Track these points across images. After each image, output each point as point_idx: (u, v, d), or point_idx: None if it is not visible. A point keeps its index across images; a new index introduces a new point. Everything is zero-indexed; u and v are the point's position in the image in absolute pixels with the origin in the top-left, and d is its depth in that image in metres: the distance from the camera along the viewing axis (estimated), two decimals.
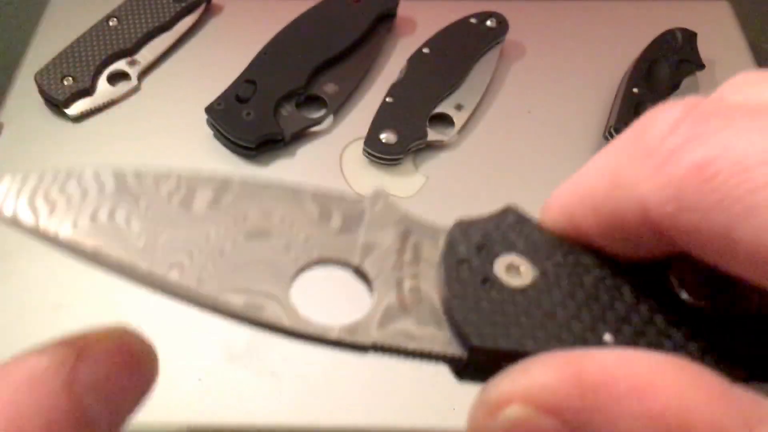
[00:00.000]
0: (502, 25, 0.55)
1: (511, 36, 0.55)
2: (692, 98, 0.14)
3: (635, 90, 0.51)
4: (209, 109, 0.51)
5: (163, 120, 0.53)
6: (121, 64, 0.54)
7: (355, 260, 0.16)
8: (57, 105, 0.52)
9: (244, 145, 0.50)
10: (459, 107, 0.52)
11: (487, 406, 0.13)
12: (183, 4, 0.57)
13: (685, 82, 0.53)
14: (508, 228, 0.16)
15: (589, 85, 0.55)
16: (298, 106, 0.52)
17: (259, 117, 0.50)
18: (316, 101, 0.53)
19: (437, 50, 0.54)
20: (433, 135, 0.51)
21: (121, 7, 0.56)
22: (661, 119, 0.14)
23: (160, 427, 0.39)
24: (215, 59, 0.56)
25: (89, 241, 0.16)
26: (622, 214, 0.14)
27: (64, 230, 0.16)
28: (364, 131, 0.50)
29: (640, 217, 0.14)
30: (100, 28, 0.55)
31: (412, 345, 0.15)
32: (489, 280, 0.15)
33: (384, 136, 0.50)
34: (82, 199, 0.16)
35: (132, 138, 0.52)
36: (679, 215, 0.13)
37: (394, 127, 0.50)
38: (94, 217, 0.16)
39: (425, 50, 0.54)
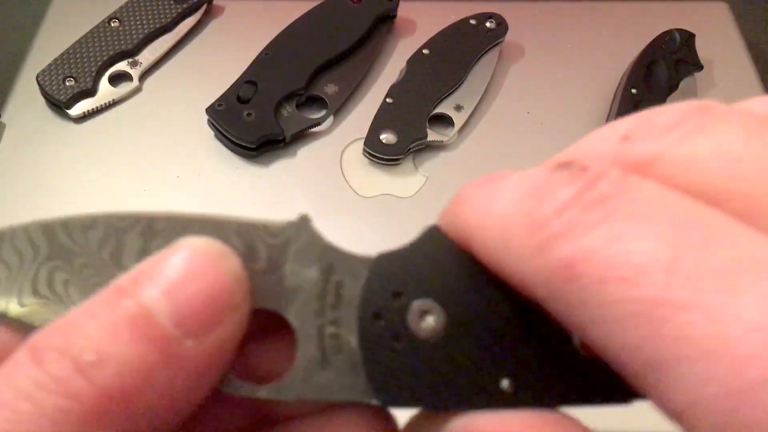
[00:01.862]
0: (502, 26, 0.55)
1: (510, 37, 0.56)
2: (594, 174, 0.14)
3: (634, 90, 0.51)
4: (210, 110, 0.51)
5: (165, 120, 0.53)
6: (122, 65, 0.55)
7: (281, 308, 0.17)
8: (59, 105, 0.52)
9: (245, 145, 0.50)
10: (458, 108, 0.52)
11: None
12: (184, 6, 0.57)
13: (684, 83, 0.54)
14: (425, 262, 0.17)
15: (588, 86, 0.56)
16: (299, 106, 0.53)
17: (259, 117, 0.50)
18: (316, 102, 0.54)
19: (437, 51, 0.54)
20: (432, 135, 0.51)
21: (122, 8, 0.56)
22: (553, 195, 0.14)
23: None
24: (216, 60, 0.57)
25: (36, 318, 0.17)
26: (507, 271, 0.15)
27: (12, 309, 0.17)
28: (364, 131, 0.51)
29: (521, 285, 0.14)
30: (101, 29, 0.55)
31: (332, 397, 0.17)
32: (400, 335, 0.16)
33: (384, 137, 0.50)
34: (19, 267, 0.17)
35: (133, 138, 0.52)
36: (548, 301, 0.14)
37: (394, 127, 0.50)
38: (35, 290, 0.17)
39: (425, 51, 0.54)
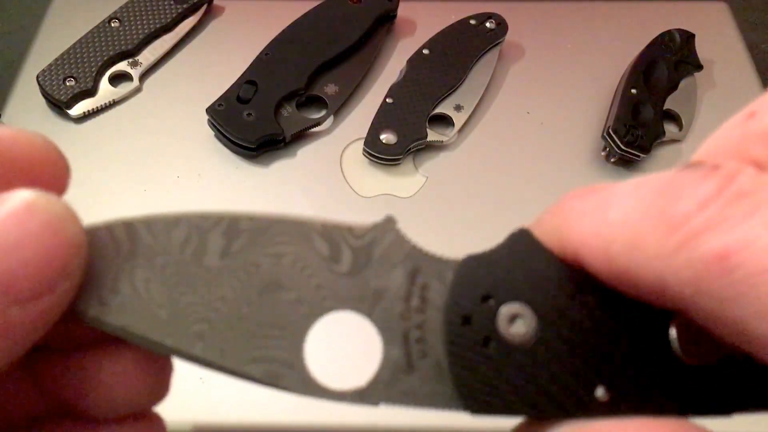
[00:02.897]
0: (502, 26, 0.55)
1: (510, 37, 0.56)
2: (730, 170, 0.13)
3: (633, 91, 0.52)
4: (210, 110, 0.51)
5: (165, 120, 0.53)
6: (122, 65, 0.55)
7: (365, 311, 0.17)
8: (59, 105, 0.52)
9: (245, 145, 0.50)
10: (458, 108, 0.52)
11: None
12: (184, 6, 0.57)
13: (684, 83, 0.54)
14: (515, 266, 0.16)
15: (588, 86, 0.56)
16: (299, 106, 0.53)
17: (259, 117, 0.50)
18: (316, 102, 0.54)
19: (437, 51, 0.54)
20: (432, 135, 0.51)
21: (122, 9, 0.56)
22: (691, 192, 0.13)
23: None
24: (216, 60, 0.57)
25: (116, 321, 0.16)
26: (637, 275, 0.14)
27: (92, 310, 0.16)
28: (364, 131, 0.51)
29: (656, 286, 0.14)
30: (102, 30, 0.55)
31: (416, 403, 0.16)
32: (490, 339, 0.16)
33: (384, 137, 0.50)
34: (101, 265, 0.17)
35: (133, 138, 0.52)
36: (695, 298, 0.13)
37: (394, 127, 0.50)
38: (115, 289, 0.16)
39: (425, 51, 0.54)
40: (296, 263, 0.17)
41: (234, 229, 0.17)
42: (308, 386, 0.16)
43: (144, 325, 0.16)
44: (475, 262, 0.16)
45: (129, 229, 0.17)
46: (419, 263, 0.17)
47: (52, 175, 0.16)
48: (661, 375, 0.15)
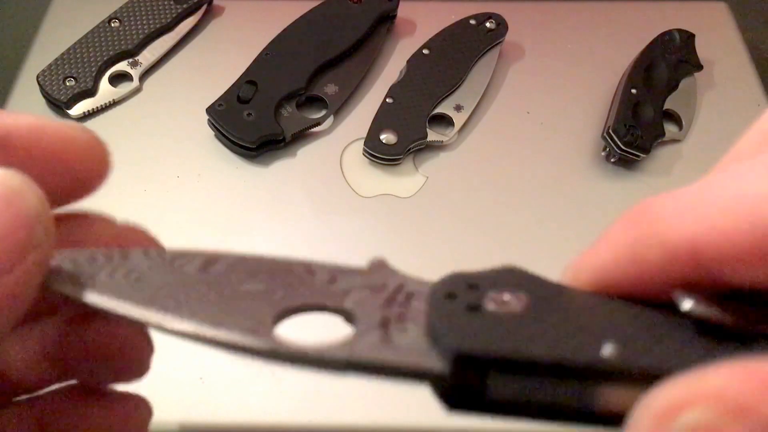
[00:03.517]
0: (502, 26, 0.55)
1: (510, 37, 0.56)
2: None
3: (633, 91, 0.52)
4: (210, 110, 0.51)
5: (165, 120, 0.53)
6: (122, 65, 0.55)
7: (337, 303, 0.16)
8: (59, 105, 0.52)
9: (245, 145, 0.50)
10: (458, 108, 0.52)
11: (657, 411, 0.13)
12: (184, 6, 0.57)
13: (684, 83, 0.54)
14: (505, 279, 0.16)
15: (588, 86, 0.56)
16: (299, 106, 0.53)
17: (259, 117, 0.50)
18: (316, 102, 0.54)
19: (437, 51, 0.54)
20: (432, 135, 0.51)
21: (122, 9, 0.56)
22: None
23: (161, 427, 0.39)
24: (216, 60, 0.57)
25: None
26: (670, 251, 0.14)
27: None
28: (364, 131, 0.51)
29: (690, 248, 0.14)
30: (102, 30, 0.55)
31: (389, 357, 0.15)
32: (476, 309, 0.15)
33: (384, 137, 0.50)
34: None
35: (133, 138, 0.52)
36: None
37: (394, 127, 0.50)
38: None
39: (425, 51, 0.54)
40: (273, 271, 0.17)
41: (211, 260, 0.17)
42: (270, 342, 0.15)
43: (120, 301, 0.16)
44: (462, 275, 0.16)
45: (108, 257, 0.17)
46: (405, 281, 0.17)
47: (93, 170, 0.18)
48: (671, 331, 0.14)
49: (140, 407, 0.21)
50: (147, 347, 0.20)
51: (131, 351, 0.20)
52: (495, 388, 0.15)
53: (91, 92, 0.53)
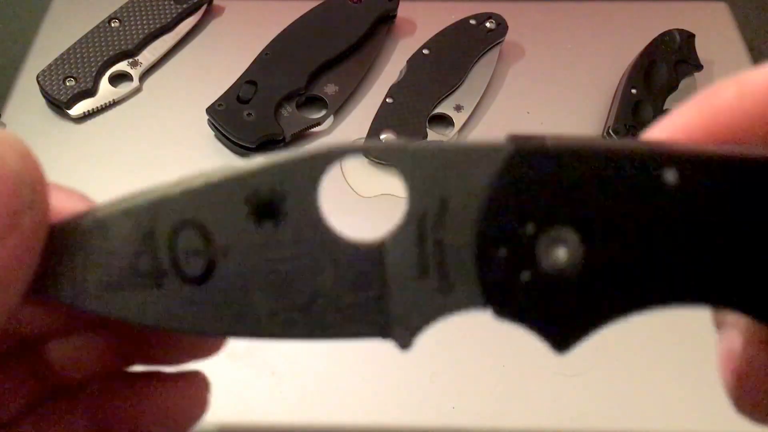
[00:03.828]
0: (502, 26, 0.55)
1: (510, 37, 0.56)
2: None
3: (633, 90, 0.51)
4: (210, 110, 0.51)
5: (165, 120, 0.53)
6: (122, 65, 0.55)
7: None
8: (59, 105, 0.52)
9: (245, 145, 0.50)
10: (458, 108, 0.52)
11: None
12: (184, 6, 0.57)
13: (684, 83, 0.54)
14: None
15: (588, 86, 0.56)
16: (299, 106, 0.53)
17: (259, 117, 0.50)
18: (316, 102, 0.54)
19: (437, 51, 0.54)
20: (432, 135, 0.51)
21: (122, 9, 0.56)
22: None
23: None
24: (216, 60, 0.57)
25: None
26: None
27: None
28: (364, 131, 0.51)
29: None
30: (102, 29, 0.55)
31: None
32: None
33: (384, 137, 0.50)
34: None
35: (133, 138, 0.52)
36: None
37: (394, 127, 0.50)
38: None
39: (425, 51, 0.54)
40: None
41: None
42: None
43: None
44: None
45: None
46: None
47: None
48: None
49: (199, 383, 0.20)
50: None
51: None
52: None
53: (91, 92, 0.53)
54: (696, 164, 0.14)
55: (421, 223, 0.15)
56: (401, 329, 0.15)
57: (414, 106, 0.52)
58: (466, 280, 0.15)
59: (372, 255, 0.15)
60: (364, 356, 0.42)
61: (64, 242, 0.16)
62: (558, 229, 0.14)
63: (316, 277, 0.15)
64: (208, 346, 0.19)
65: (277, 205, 0.15)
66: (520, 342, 0.43)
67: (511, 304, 0.14)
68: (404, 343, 0.15)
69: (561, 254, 0.14)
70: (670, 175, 0.14)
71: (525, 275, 0.14)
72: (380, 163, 0.50)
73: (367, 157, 0.50)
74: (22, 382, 0.18)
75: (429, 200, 0.15)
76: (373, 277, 0.15)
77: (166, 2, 0.57)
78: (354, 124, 0.53)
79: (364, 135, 0.50)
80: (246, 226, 0.15)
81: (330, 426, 0.39)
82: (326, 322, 0.15)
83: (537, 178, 0.14)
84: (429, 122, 0.51)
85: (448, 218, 0.15)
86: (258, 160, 0.16)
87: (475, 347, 0.42)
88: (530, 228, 0.14)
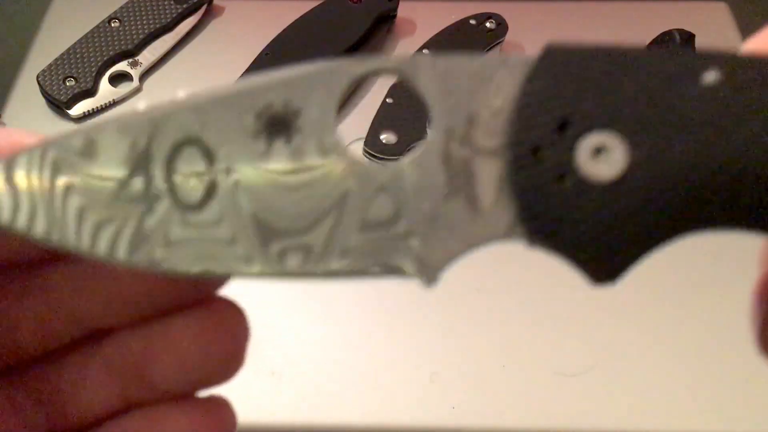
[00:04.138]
0: (502, 26, 0.55)
1: (510, 37, 0.56)
2: None
3: None
4: None
5: None
6: (122, 65, 0.55)
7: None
8: (59, 105, 0.52)
9: None
10: None
11: None
12: (184, 6, 0.57)
13: None
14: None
15: None
16: None
17: None
18: None
19: (437, 51, 0.54)
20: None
21: (122, 9, 0.56)
22: None
23: None
24: (216, 60, 0.57)
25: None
26: None
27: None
28: (364, 131, 0.51)
29: None
30: (102, 29, 0.55)
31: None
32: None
33: (384, 137, 0.50)
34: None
35: None
36: None
37: (394, 127, 0.50)
38: None
39: (425, 51, 0.54)
40: None
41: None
42: None
43: None
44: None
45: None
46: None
47: None
48: None
49: (224, 411, 0.19)
50: (242, 328, 0.17)
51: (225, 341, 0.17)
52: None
53: (91, 92, 0.53)
54: (738, 64, 0.13)
55: (446, 140, 0.14)
56: (425, 262, 0.14)
57: (414, 106, 0.51)
58: (498, 198, 0.13)
59: (394, 178, 0.14)
60: (364, 355, 0.42)
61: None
62: (598, 134, 0.13)
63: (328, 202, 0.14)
64: (193, 293, 0.17)
65: (290, 121, 0.14)
66: (521, 342, 0.43)
67: (549, 224, 0.13)
68: (429, 278, 0.14)
69: (603, 161, 0.13)
70: (713, 75, 0.12)
71: (566, 182, 0.13)
72: (381, 159, 0.50)
73: (366, 154, 0.50)
74: None
75: (455, 115, 0.13)
76: (391, 203, 0.14)
77: (166, 2, 0.57)
78: (354, 123, 0.53)
79: (364, 135, 0.50)
80: (254, 144, 0.14)
81: (330, 426, 0.39)
82: (334, 257, 0.14)
83: (571, 79, 0.13)
84: (429, 122, 0.51)
85: (478, 132, 0.13)
86: (272, 74, 0.14)
87: (475, 347, 0.42)
88: (568, 132, 0.13)
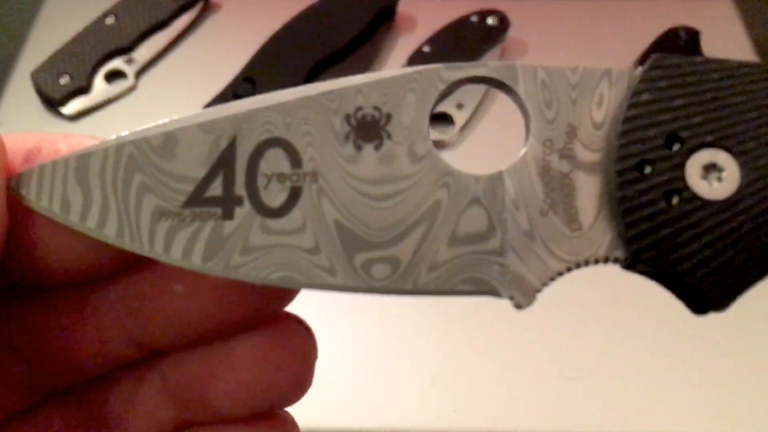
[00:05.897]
0: (504, 23, 0.55)
1: (512, 34, 0.55)
2: None
3: None
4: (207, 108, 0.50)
5: (160, 119, 0.52)
6: (118, 62, 0.54)
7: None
8: (53, 103, 0.52)
9: None
10: (460, 106, 0.52)
11: None
12: (180, 2, 0.56)
13: None
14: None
15: None
16: None
17: None
18: None
19: (438, 48, 0.54)
20: (433, 134, 0.50)
21: (118, 5, 0.56)
22: None
23: None
24: (213, 57, 0.56)
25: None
26: None
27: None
28: None
29: None
30: (96, 26, 0.55)
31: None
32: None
33: None
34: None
35: None
36: None
37: None
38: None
39: (426, 48, 0.54)
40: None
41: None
42: None
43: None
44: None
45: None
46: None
47: None
48: None
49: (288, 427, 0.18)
50: (310, 347, 0.17)
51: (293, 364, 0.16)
52: None
53: (85, 90, 0.52)
54: None
55: (545, 152, 0.13)
56: (520, 281, 0.13)
57: None
58: (599, 216, 0.13)
59: (488, 190, 0.14)
60: (365, 358, 0.41)
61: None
62: (710, 150, 0.12)
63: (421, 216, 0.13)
64: (270, 305, 0.16)
65: (380, 125, 0.14)
66: (523, 345, 0.42)
67: (655, 244, 0.12)
68: (525, 299, 0.13)
69: (715, 179, 0.12)
70: None
71: (674, 200, 0.12)
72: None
73: None
74: None
75: (555, 127, 0.13)
76: (485, 216, 0.13)
77: None
78: None
79: None
80: (342, 148, 0.13)
81: (331, 429, 0.39)
82: (422, 271, 0.13)
83: (681, 93, 0.12)
84: (430, 120, 0.50)
85: (578, 144, 0.13)
86: (363, 76, 0.14)
87: (476, 350, 0.41)
88: (678, 148, 0.12)
